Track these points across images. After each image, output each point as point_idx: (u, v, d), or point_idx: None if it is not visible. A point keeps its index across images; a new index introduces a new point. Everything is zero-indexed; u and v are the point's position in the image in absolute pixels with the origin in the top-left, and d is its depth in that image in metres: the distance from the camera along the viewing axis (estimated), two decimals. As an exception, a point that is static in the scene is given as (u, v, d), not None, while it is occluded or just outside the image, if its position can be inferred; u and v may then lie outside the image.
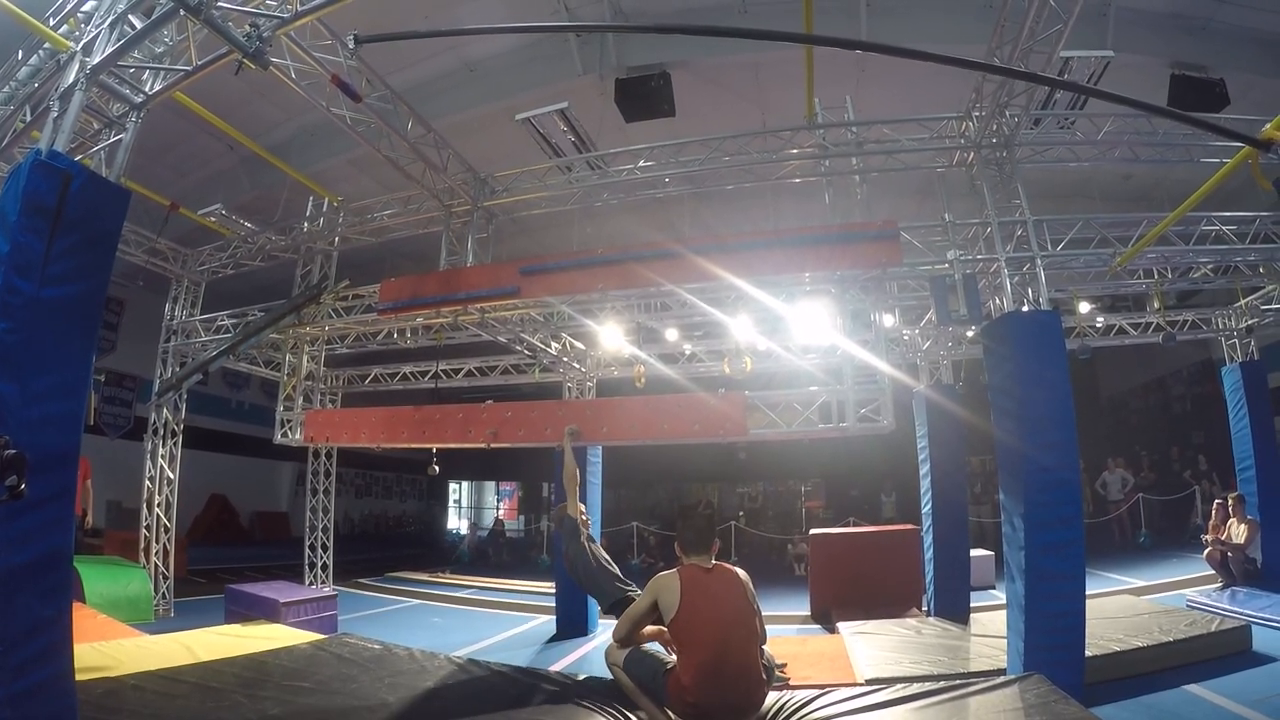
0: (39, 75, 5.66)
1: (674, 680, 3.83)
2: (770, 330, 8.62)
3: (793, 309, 7.59)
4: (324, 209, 9.51)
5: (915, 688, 4.44)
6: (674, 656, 3.99)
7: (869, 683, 5.22)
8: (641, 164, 7.80)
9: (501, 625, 9.91)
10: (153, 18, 4.44)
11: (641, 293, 8.11)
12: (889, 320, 8.70)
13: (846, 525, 14.49)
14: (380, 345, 10.41)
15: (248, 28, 4.32)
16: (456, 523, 29.74)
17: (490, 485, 30.36)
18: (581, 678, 5.02)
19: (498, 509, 29.23)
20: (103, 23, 4.60)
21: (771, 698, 4.14)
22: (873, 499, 18.92)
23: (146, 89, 4.78)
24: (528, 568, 16.87)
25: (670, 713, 3.91)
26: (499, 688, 4.93)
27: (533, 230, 11.04)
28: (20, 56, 5.77)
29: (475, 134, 9.41)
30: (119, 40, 4.49)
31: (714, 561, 4.14)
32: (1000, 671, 5.50)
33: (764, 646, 4.09)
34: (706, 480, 23.01)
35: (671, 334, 9.85)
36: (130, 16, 4.55)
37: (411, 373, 12.39)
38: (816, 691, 4.43)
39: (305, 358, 10.26)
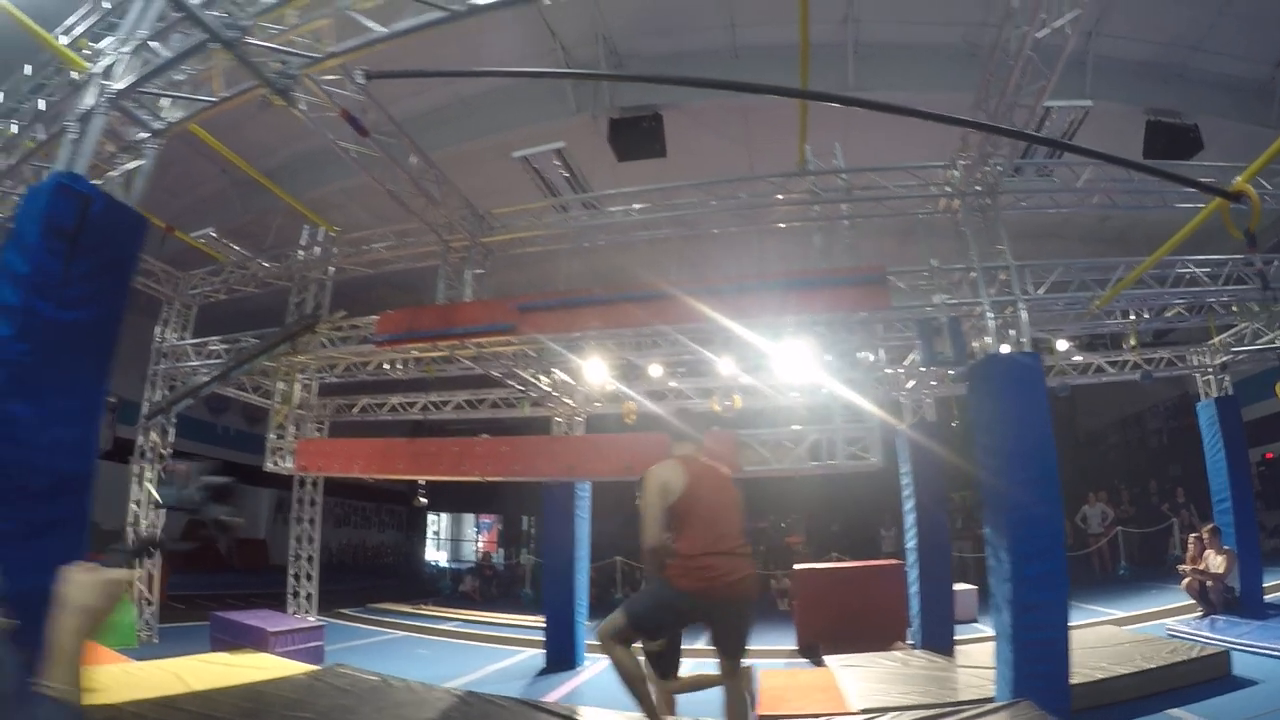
0: (44, 90, 5.71)
1: (677, 563, 3.91)
2: (754, 368, 8.73)
3: (778, 347, 7.72)
4: (319, 238, 9.52)
5: (909, 715, 4.55)
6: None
7: (863, 712, 5.29)
8: (636, 206, 7.94)
9: (489, 658, 9.88)
10: (184, 49, 4.50)
11: (629, 330, 8.12)
12: (872, 359, 8.86)
13: (829, 561, 14.54)
14: (370, 375, 10.41)
15: (278, 64, 4.43)
16: (435, 554, 29.50)
17: (470, 518, 30.16)
18: (581, 710, 5.08)
19: (477, 542, 29.02)
20: (123, 47, 4.64)
21: None
22: (855, 534, 19.06)
23: (164, 115, 4.85)
24: (510, 601, 16.79)
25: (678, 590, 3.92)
26: None
27: (522, 264, 11.07)
28: (29, 72, 5.83)
29: (467, 167, 9.49)
30: (143, 67, 4.55)
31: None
32: (988, 700, 5.60)
33: None
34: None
35: (654, 370, 9.89)
36: (151, 44, 4.61)
37: (400, 404, 12.34)
38: (812, 722, 4.54)
39: (298, 386, 10.25)
